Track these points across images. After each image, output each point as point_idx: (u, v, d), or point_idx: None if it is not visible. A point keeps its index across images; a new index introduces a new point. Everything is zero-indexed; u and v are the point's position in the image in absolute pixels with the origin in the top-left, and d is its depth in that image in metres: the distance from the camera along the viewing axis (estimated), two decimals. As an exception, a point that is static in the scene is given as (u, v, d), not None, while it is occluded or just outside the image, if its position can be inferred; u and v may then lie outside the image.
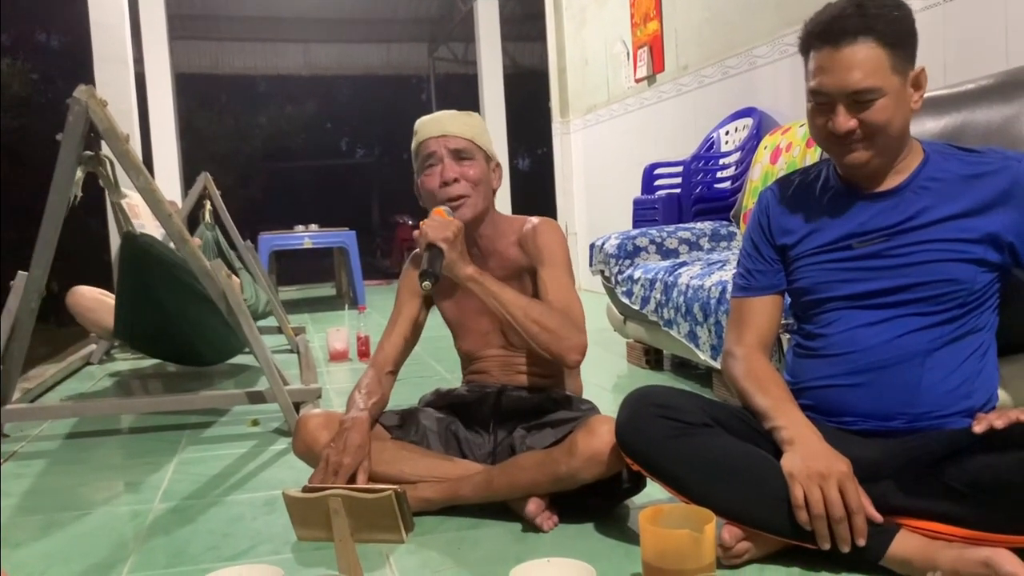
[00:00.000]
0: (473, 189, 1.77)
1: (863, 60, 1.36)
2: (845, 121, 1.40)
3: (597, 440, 1.56)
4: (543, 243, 1.78)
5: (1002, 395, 1.55)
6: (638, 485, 1.66)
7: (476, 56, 7.72)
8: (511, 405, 1.81)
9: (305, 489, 1.41)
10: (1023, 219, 1.40)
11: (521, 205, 7.63)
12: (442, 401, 1.91)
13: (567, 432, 1.64)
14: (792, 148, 3.17)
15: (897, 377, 1.43)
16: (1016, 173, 1.41)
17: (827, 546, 1.32)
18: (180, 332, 3.07)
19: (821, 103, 1.43)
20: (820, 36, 1.40)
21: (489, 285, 1.69)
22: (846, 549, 1.31)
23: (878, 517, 1.32)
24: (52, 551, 1.71)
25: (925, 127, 2.11)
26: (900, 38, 1.39)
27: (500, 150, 7.34)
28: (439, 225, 1.66)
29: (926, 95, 2.23)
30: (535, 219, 1.84)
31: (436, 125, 1.79)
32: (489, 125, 7.32)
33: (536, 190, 9.11)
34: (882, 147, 1.43)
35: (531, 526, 1.64)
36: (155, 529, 1.81)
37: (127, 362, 4.22)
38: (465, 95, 8.74)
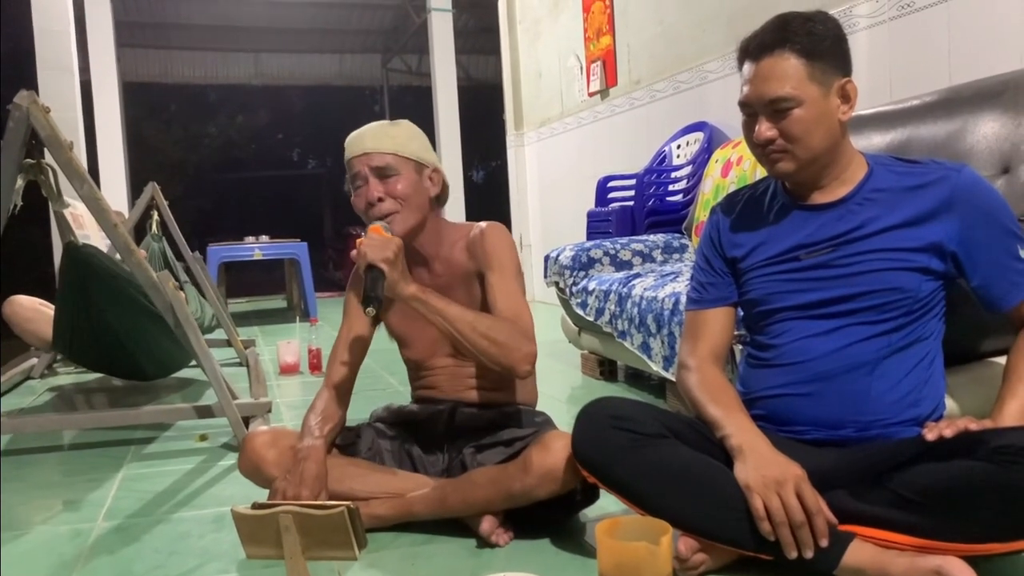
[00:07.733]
0: (402, 204, 1.69)
1: (778, 71, 1.43)
2: (765, 131, 1.46)
3: (551, 457, 1.55)
4: (491, 248, 1.72)
5: (949, 404, 1.58)
6: (592, 497, 1.65)
7: (430, 68, 7.71)
8: (464, 423, 1.78)
9: (255, 506, 1.38)
10: (964, 229, 1.43)
11: (476, 216, 7.59)
12: (393, 418, 1.88)
13: (519, 449, 1.64)
14: (743, 161, 3.22)
15: (846, 386, 1.45)
16: (955, 183, 1.44)
17: (794, 554, 1.32)
18: (121, 345, 2.99)
19: (748, 115, 1.51)
20: (745, 51, 1.49)
21: (433, 303, 1.61)
22: (809, 554, 1.31)
23: (833, 519, 1.33)
24: (-12, 573, 1.64)
25: (872, 141, 2.16)
26: (820, 50, 1.43)
27: (454, 163, 7.28)
28: (378, 245, 1.58)
29: (873, 111, 2.30)
30: (483, 224, 1.78)
31: (358, 143, 1.71)
32: (443, 137, 7.24)
33: (490, 202, 9.13)
34: (807, 156, 1.46)
35: (486, 541, 1.63)
36: (98, 548, 1.75)
37: (70, 376, 4.11)
38: (419, 107, 8.73)
